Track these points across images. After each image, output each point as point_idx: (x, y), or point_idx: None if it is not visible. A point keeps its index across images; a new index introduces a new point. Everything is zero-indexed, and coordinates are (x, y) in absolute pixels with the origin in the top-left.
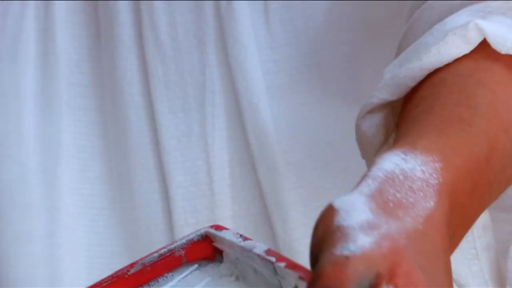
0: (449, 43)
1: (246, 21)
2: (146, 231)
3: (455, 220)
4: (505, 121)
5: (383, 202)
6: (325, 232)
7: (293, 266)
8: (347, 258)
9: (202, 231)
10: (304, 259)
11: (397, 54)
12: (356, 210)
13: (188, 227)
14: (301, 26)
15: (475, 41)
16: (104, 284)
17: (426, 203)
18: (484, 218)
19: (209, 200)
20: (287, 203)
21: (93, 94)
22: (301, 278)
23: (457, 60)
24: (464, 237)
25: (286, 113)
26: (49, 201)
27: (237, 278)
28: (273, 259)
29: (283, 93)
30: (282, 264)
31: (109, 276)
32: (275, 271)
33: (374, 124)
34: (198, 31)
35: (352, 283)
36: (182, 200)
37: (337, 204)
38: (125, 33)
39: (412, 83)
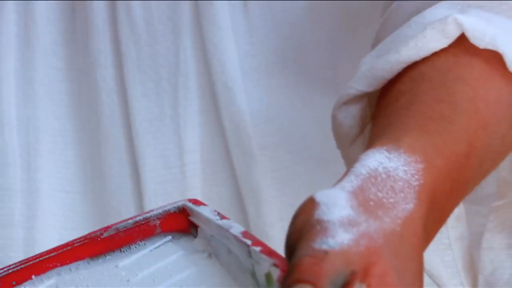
0: (427, 36)
1: (223, 3)
2: (116, 214)
3: (431, 220)
4: (484, 117)
5: (364, 200)
6: (305, 224)
7: (268, 252)
8: (325, 253)
9: (180, 203)
10: (275, 244)
11: (374, 44)
12: (337, 206)
13: None
14: (279, 9)
15: (454, 35)
16: (76, 244)
17: (406, 204)
18: (457, 209)
19: (180, 184)
20: (261, 187)
21: (68, 77)
22: (275, 265)
23: (436, 54)
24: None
25: (261, 97)
26: (28, 184)
27: (209, 255)
28: (249, 242)
29: (260, 76)
30: (258, 249)
31: (81, 237)
32: (249, 254)
33: (350, 115)
34: (173, 14)
35: (328, 278)
36: (153, 183)
37: (318, 197)
38: (98, 17)
39: (390, 76)
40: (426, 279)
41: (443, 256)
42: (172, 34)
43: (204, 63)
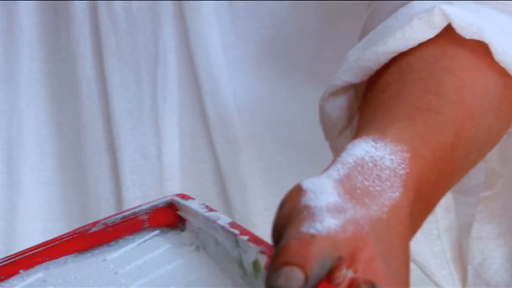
0: (414, 27)
1: None
2: (95, 205)
3: (418, 210)
4: (471, 108)
5: (351, 188)
6: (292, 211)
7: (255, 240)
8: (313, 236)
9: (168, 198)
10: (261, 233)
11: (361, 36)
12: (324, 193)
13: (136, 201)
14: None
15: (440, 25)
16: (65, 239)
17: (392, 193)
18: (446, 200)
19: (157, 173)
20: (246, 176)
21: (51, 69)
22: (262, 252)
23: (423, 45)
24: (426, 218)
25: (247, 86)
26: (9, 176)
27: (197, 248)
28: (236, 231)
29: (244, 66)
30: (245, 237)
31: (70, 232)
32: (236, 243)
33: (337, 106)
34: (152, 4)
35: (316, 261)
36: (131, 174)
37: (306, 185)
38: (79, 7)
39: (377, 67)
40: (418, 276)
41: (432, 246)
42: (151, 23)
43: (186, 52)
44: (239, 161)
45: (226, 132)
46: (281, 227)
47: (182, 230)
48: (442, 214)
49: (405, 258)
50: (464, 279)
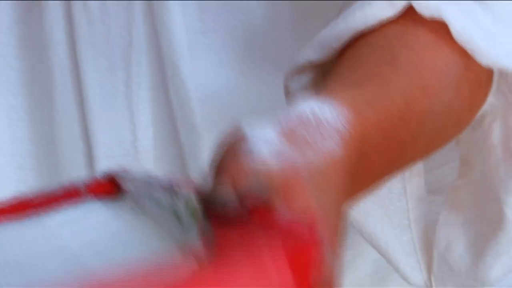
0: (374, 6)
1: None
2: None
3: (360, 171)
4: (426, 82)
5: (292, 138)
6: (230, 149)
7: (189, 183)
8: (248, 163)
9: (109, 170)
10: None
11: None
12: (265, 142)
13: None
14: None
15: (400, 5)
16: (3, 207)
17: (331, 147)
18: (419, 191)
19: (132, 159)
20: (206, 162)
21: (23, 55)
22: (193, 191)
23: (384, 25)
24: (398, 207)
25: (211, 73)
26: None
27: (137, 215)
28: (173, 183)
29: (210, 53)
30: (180, 186)
31: (8, 200)
32: (173, 195)
33: (302, 85)
34: None
35: (249, 178)
36: (105, 159)
37: (246, 131)
38: None
39: (336, 44)
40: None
41: (401, 235)
42: (125, 11)
43: (154, 39)
44: (200, 147)
45: (187, 119)
46: (217, 162)
47: (123, 200)
48: (414, 205)
49: (338, 211)
50: (430, 266)
